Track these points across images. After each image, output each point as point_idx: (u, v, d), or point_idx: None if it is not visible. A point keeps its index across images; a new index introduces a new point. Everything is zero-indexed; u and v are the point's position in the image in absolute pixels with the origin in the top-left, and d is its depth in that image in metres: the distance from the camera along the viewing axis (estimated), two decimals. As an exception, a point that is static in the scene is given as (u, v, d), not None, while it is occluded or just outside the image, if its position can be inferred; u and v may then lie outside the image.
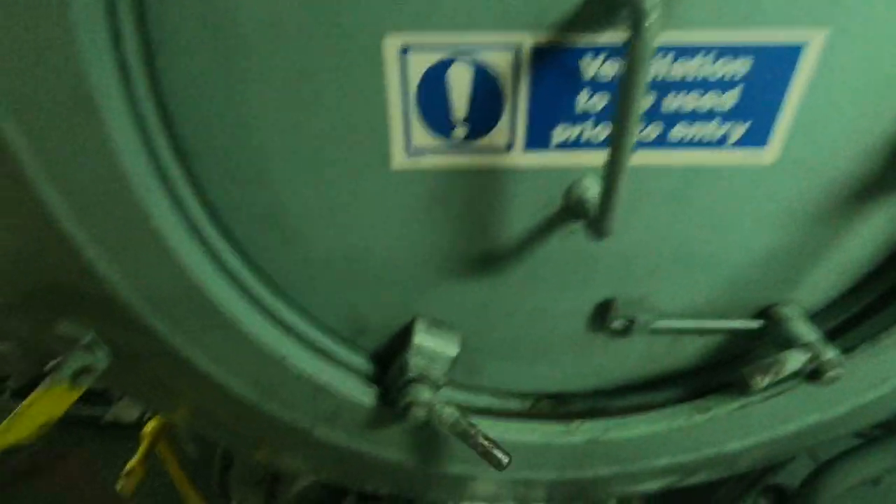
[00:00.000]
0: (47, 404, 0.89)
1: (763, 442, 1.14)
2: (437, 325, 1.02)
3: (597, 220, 0.76)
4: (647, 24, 0.59)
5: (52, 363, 0.91)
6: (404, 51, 0.72)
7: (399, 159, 0.81)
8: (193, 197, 0.81)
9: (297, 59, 0.72)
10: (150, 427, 2.03)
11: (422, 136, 0.79)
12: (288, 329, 0.94)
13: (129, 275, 0.79)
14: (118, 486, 1.93)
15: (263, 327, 0.90)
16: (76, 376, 0.90)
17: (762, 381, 0.93)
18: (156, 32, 0.70)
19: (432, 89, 0.75)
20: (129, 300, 0.81)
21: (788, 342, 0.96)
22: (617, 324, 1.01)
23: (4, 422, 0.87)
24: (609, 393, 1.15)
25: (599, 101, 0.77)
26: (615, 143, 0.67)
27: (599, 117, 0.79)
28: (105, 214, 0.73)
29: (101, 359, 0.93)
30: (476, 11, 0.69)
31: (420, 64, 0.73)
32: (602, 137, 0.80)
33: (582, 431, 1.09)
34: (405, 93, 0.75)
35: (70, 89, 0.63)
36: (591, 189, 0.85)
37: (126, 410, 3.92)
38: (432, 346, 0.98)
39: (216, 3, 0.68)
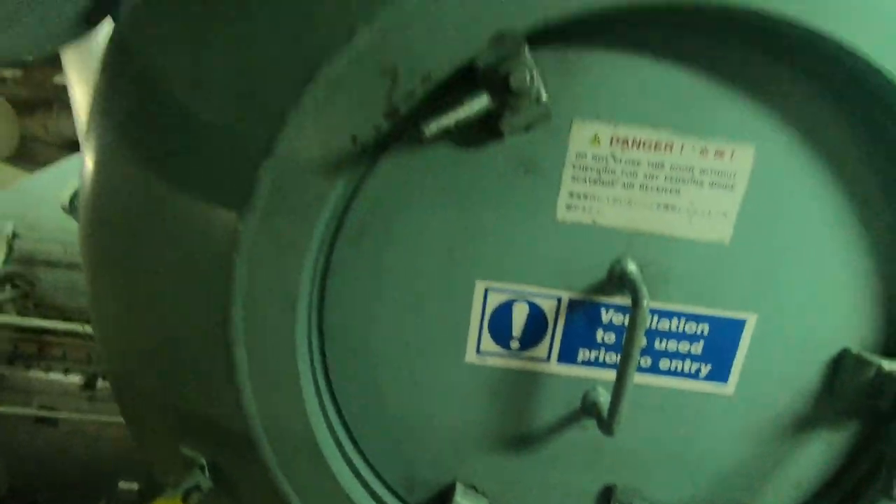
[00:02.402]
0: (161, 515, 1.10)
1: None
2: (473, 490, 1.25)
3: (605, 421, 1.07)
4: (642, 303, 0.99)
5: (173, 478, 1.14)
6: (486, 291, 1.12)
7: (470, 356, 1.16)
8: (322, 375, 1.15)
9: (414, 294, 1.11)
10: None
11: (488, 343, 1.16)
12: (365, 483, 1.19)
13: (266, 416, 1.09)
14: None
15: (352, 481, 1.15)
16: (188, 493, 1.13)
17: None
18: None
19: (500, 315, 1.14)
20: (259, 437, 1.09)
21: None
22: (618, 508, 1.25)
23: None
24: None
25: (611, 338, 1.15)
26: (621, 368, 1.02)
27: (610, 347, 1.15)
28: (269, 371, 1.06)
29: (207, 481, 1.17)
30: (537, 274, 1.11)
31: (495, 299, 1.13)
32: (612, 361, 1.16)
33: None
34: (482, 315, 1.14)
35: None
36: (602, 397, 1.17)
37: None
38: (468, 507, 1.21)
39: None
